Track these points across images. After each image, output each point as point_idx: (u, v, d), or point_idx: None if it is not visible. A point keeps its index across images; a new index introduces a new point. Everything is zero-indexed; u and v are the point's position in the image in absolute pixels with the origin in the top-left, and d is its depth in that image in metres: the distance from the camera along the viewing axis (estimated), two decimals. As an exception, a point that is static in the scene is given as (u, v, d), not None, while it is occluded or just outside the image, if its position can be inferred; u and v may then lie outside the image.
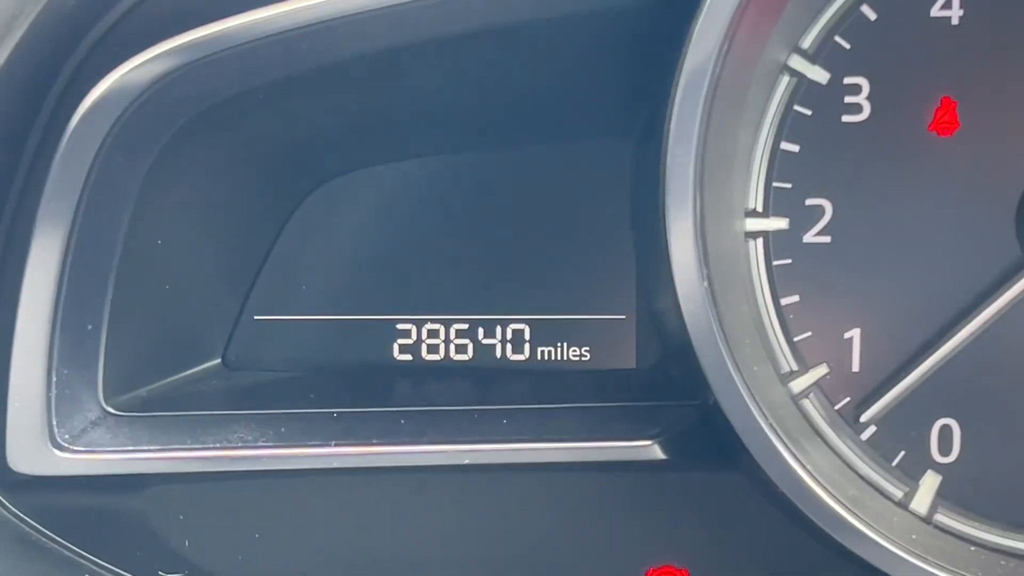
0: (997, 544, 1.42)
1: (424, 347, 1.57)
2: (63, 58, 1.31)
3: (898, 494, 1.40)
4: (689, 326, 1.29)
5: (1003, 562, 1.39)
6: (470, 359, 1.57)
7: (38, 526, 1.41)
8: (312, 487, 1.41)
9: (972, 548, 1.40)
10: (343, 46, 1.33)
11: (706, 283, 1.28)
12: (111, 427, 1.38)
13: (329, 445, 1.37)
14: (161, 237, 1.40)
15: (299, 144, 1.50)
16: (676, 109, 1.27)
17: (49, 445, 1.32)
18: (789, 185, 1.39)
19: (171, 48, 1.30)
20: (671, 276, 1.29)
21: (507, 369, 1.57)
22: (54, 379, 1.32)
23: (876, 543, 1.30)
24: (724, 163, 1.35)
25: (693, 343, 1.29)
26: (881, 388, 1.40)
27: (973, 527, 1.42)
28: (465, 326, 1.56)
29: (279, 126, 1.44)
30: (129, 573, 1.43)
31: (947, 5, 1.38)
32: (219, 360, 1.57)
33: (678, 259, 1.28)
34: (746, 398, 1.29)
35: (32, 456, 1.33)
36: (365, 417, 1.43)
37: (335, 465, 1.37)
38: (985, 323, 1.39)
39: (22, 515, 1.40)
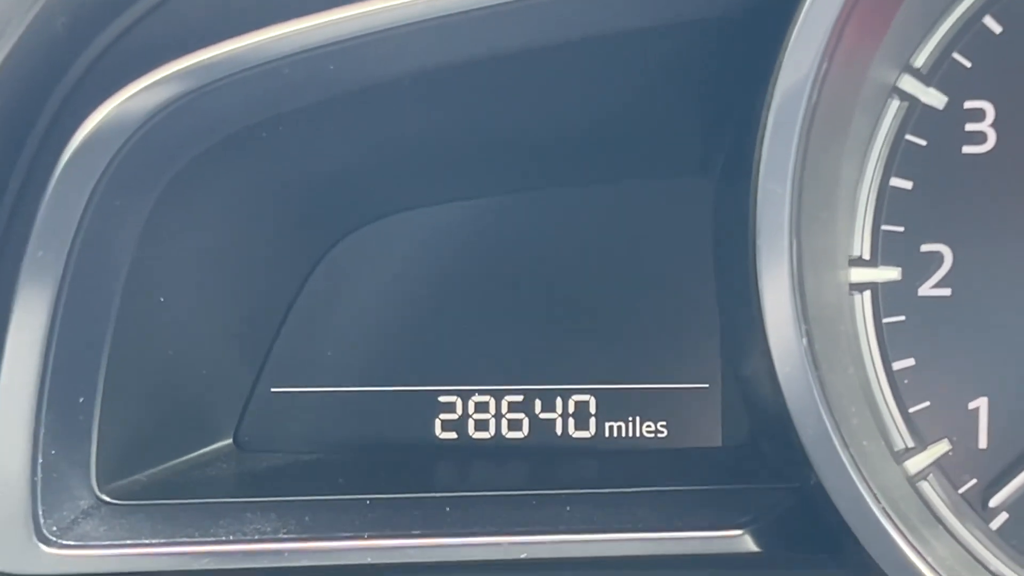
0: None
1: (471, 423, 1.57)
2: (50, 87, 1.31)
3: None
4: (786, 393, 1.27)
5: None
6: (526, 437, 1.57)
7: None
8: None
9: None
10: (378, 67, 1.33)
11: (805, 342, 1.26)
12: (106, 518, 1.37)
13: (362, 537, 1.35)
14: (164, 294, 1.40)
15: (324, 185, 1.50)
16: (768, 139, 1.25)
17: (34, 539, 1.31)
18: (901, 228, 1.38)
19: (174, 72, 1.30)
20: (764, 335, 1.27)
21: (569, 448, 1.56)
22: (40, 461, 1.31)
23: None
24: (825, 202, 1.33)
25: (791, 413, 1.27)
26: (1013, 468, 1.38)
27: None
28: (519, 398, 1.56)
29: (301, 163, 1.44)
30: None
31: None
32: (230, 440, 1.57)
33: (772, 314, 1.26)
34: (855, 478, 1.26)
35: (15, 552, 1.32)
36: (403, 504, 1.42)
37: (368, 560, 1.35)
38: None
39: None
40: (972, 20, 1.35)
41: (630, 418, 1.56)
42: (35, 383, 1.30)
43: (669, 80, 1.42)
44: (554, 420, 1.57)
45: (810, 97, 1.23)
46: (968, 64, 1.36)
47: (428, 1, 1.31)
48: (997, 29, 1.35)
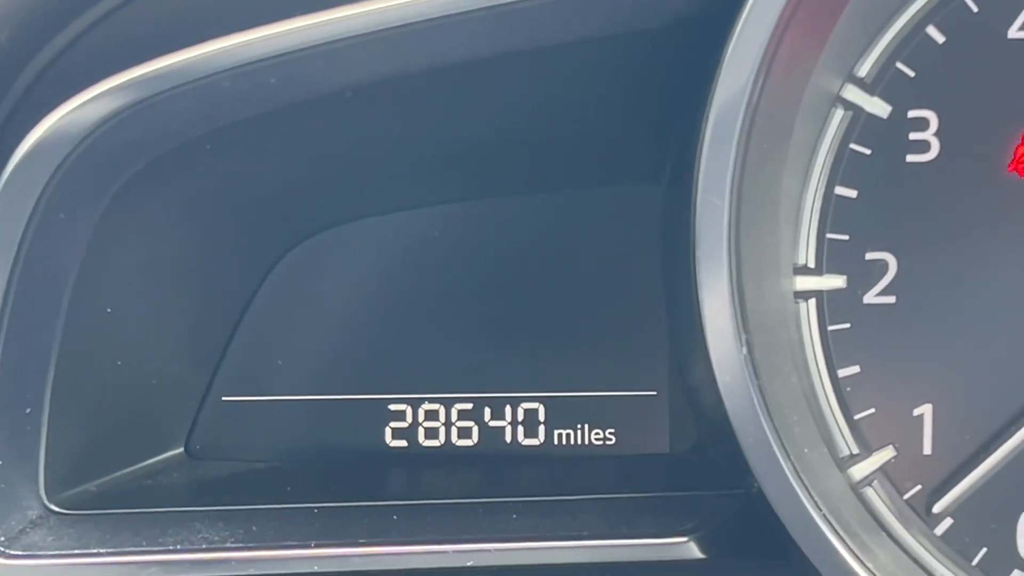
0: None
1: (421, 431, 1.57)
2: None
3: None
4: (726, 401, 1.28)
5: None
6: (475, 444, 1.57)
7: None
8: None
9: None
10: (319, 79, 1.33)
11: (745, 351, 1.27)
12: (54, 527, 1.37)
13: (308, 546, 1.36)
14: (112, 304, 1.40)
15: (272, 195, 1.50)
16: (706, 147, 1.26)
17: None
18: (846, 237, 1.39)
19: (117, 85, 1.30)
20: (704, 344, 1.28)
21: (518, 455, 1.57)
22: None
23: None
24: (767, 211, 1.35)
25: (732, 421, 1.28)
26: (957, 474, 1.39)
27: None
28: (469, 406, 1.56)
29: (248, 174, 1.45)
30: None
31: None
32: (181, 448, 1.56)
33: (712, 323, 1.28)
34: (795, 486, 1.28)
35: None
36: (351, 513, 1.42)
37: (315, 569, 1.35)
38: None
39: None
40: (915, 30, 1.37)
41: (579, 425, 1.57)
42: None
43: (616, 88, 1.43)
44: (503, 428, 1.57)
45: (748, 107, 1.25)
46: (912, 73, 1.37)
47: (367, 14, 1.29)
48: (940, 39, 1.36)
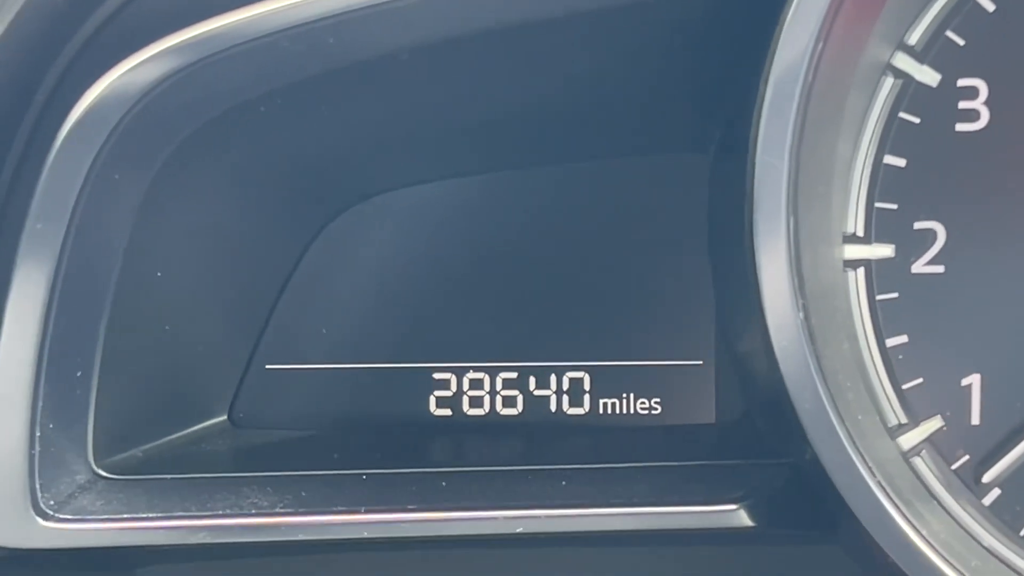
0: None
1: (466, 400, 1.58)
2: (49, 60, 1.31)
3: None
4: (782, 367, 1.28)
5: None
6: (520, 413, 1.57)
7: None
8: (338, 561, 1.43)
9: None
10: (377, 40, 1.33)
11: (802, 316, 1.27)
12: (103, 492, 1.38)
13: (358, 511, 1.36)
14: (161, 269, 1.41)
15: (322, 161, 1.50)
16: (765, 114, 1.26)
17: (32, 513, 1.32)
18: (895, 206, 1.39)
19: (174, 45, 1.30)
20: (760, 310, 1.28)
21: (563, 425, 1.58)
22: (38, 435, 1.32)
23: None
24: (822, 178, 1.35)
25: (787, 387, 1.28)
26: (1006, 444, 1.39)
27: None
28: (514, 375, 1.56)
29: (299, 139, 1.45)
30: None
31: None
32: (225, 416, 1.57)
33: (769, 289, 1.27)
34: (851, 453, 1.28)
35: (12, 526, 1.32)
36: (399, 479, 1.42)
37: (365, 535, 1.35)
38: None
39: None
40: None
41: (624, 395, 1.57)
42: (33, 356, 1.30)
43: (664, 55, 1.42)
44: (548, 397, 1.57)
45: (807, 74, 1.25)
46: (961, 42, 1.36)
47: None
48: (990, 7, 1.36)
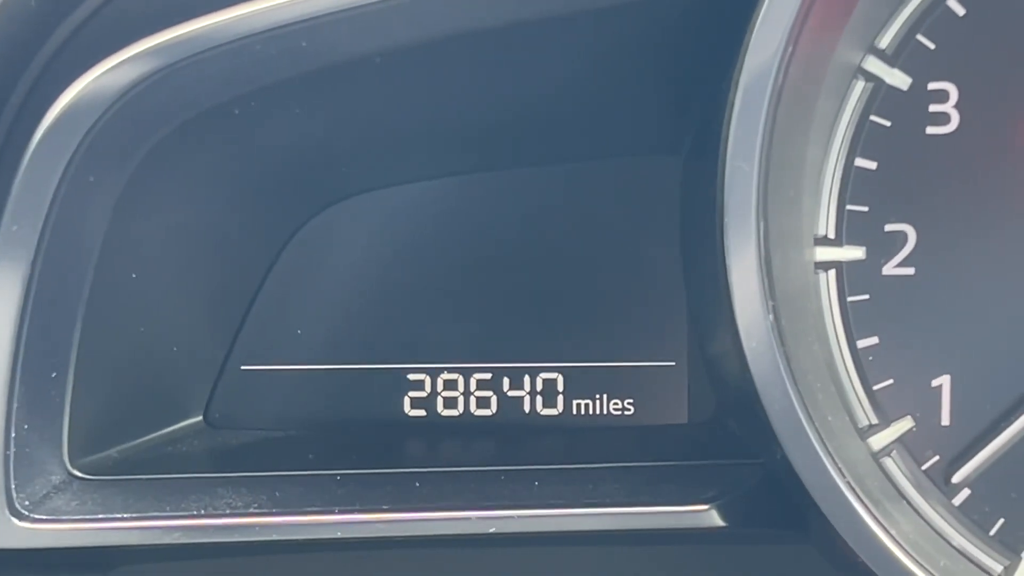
0: None
1: (440, 400, 1.58)
2: (23, 64, 1.32)
3: (997, 568, 1.39)
4: (752, 368, 1.28)
5: None
6: (493, 414, 1.58)
7: None
8: (313, 561, 1.43)
9: None
10: (349, 44, 1.33)
11: (771, 318, 1.27)
12: (78, 492, 1.38)
13: (332, 512, 1.36)
14: (136, 270, 1.41)
15: (295, 163, 1.50)
16: (735, 117, 1.26)
17: (7, 513, 1.32)
18: (865, 208, 1.40)
19: (148, 48, 1.31)
20: (731, 312, 1.28)
21: (537, 425, 1.58)
22: (12, 435, 1.32)
23: None
24: (791, 182, 1.35)
25: (757, 388, 1.28)
26: (975, 445, 1.40)
27: None
28: (487, 376, 1.57)
29: (273, 141, 1.45)
30: None
31: None
32: (200, 417, 1.57)
33: (739, 291, 1.28)
34: (820, 453, 1.28)
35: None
36: (373, 480, 1.42)
37: (339, 535, 1.35)
38: None
39: None
40: (936, 2, 1.36)
41: (597, 396, 1.57)
42: (8, 357, 1.30)
43: (637, 59, 1.42)
44: (522, 398, 1.57)
45: (776, 77, 1.25)
46: (932, 46, 1.37)
47: None
48: (960, 11, 1.36)
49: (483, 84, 1.44)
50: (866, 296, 1.40)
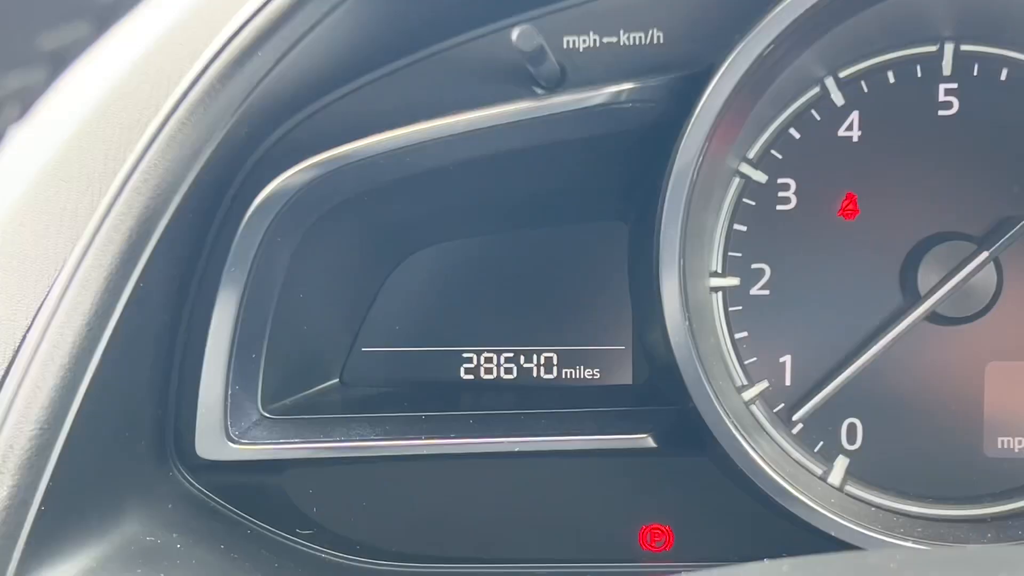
0: (890, 506, 1.41)
1: (482, 369, 1.57)
2: (237, 168, 1.32)
3: (819, 471, 1.42)
4: (675, 351, 1.30)
5: (895, 518, 1.38)
6: (515, 378, 1.58)
7: (214, 497, 1.41)
8: (408, 469, 1.43)
9: (872, 508, 1.40)
10: (430, 159, 1.33)
11: (687, 323, 1.29)
12: (266, 427, 1.40)
13: (420, 438, 1.38)
14: (301, 291, 1.42)
15: (397, 226, 1.50)
16: (667, 200, 1.28)
17: (225, 440, 1.34)
18: (740, 254, 1.42)
19: (314, 162, 1.31)
20: (662, 316, 1.30)
21: (541, 386, 1.58)
22: (229, 393, 1.34)
23: (806, 504, 1.31)
24: (697, 238, 1.36)
25: (678, 363, 1.30)
26: (806, 397, 1.42)
27: (872, 494, 1.42)
28: (511, 354, 1.57)
29: (384, 213, 1.45)
30: (276, 529, 1.43)
31: (849, 128, 1.38)
32: (338, 379, 1.57)
33: (668, 306, 1.30)
34: (715, 403, 1.31)
35: (214, 447, 1.35)
36: (444, 419, 1.43)
37: (424, 452, 1.37)
38: (878, 352, 1.39)
39: (203, 489, 1.40)
40: (783, 130, 1.39)
41: (578, 366, 1.57)
42: (227, 346, 1.33)
43: (602, 165, 1.44)
44: (532, 368, 1.57)
45: (692, 175, 1.27)
46: (780, 156, 1.40)
47: (461, 122, 1.31)
48: (797, 136, 1.39)
49: (506, 178, 1.44)
50: (740, 308, 1.43)
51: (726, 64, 1.26)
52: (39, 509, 1.08)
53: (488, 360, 1.57)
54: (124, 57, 1.22)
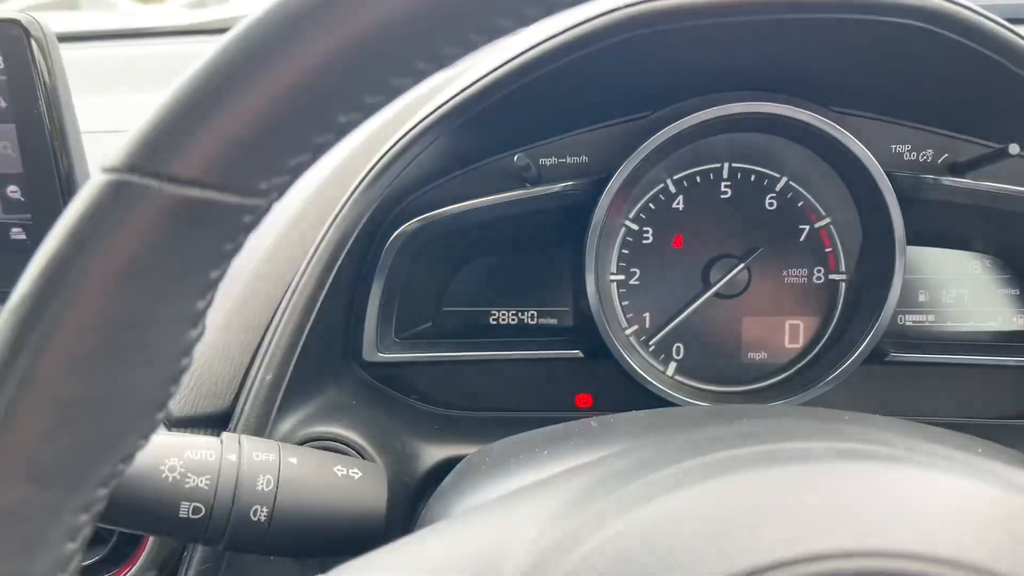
0: (694, 385, 1.50)
1: (500, 318, 1.61)
2: (381, 223, 1.40)
3: (662, 368, 1.52)
4: (593, 311, 1.43)
5: (696, 392, 1.47)
6: (516, 324, 1.61)
7: (373, 380, 1.47)
8: (468, 367, 1.51)
9: (687, 387, 1.48)
10: (476, 216, 1.43)
11: (598, 297, 1.42)
12: (398, 345, 1.48)
13: (471, 351, 1.46)
14: (415, 280, 1.48)
15: (459, 249, 1.54)
16: (589, 237, 1.41)
17: (376, 352, 1.44)
18: (625, 264, 1.52)
19: (420, 219, 1.41)
20: (586, 295, 1.41)
21: (531, 326, 1.61)
22: (379, 327, 1.43)
23: (654, 384, 1.42)
24: (604, 256, 1.47)
25: (594, 317, 1.42)
26: (656, 332, 1.53)
27: (688, 380, 1.51)
28: (515, 311, 1.61)
29: (455, 242, 1.51)
30: (403, 395, 1.50)
31: (679, 202, 1.47)
32: (431, 323, 1.59)
33: (590, 289, 1.42)
34: (611, 336, 1.43)
35: (371, 354, 1.43)
36: (484, 342, 1.51)
37: (473, 358, 1.46)
38: (692, 310, 1.49)
39: (372, 379, 1.47)
40: (646, 204, 1.48)
41: (550, 319, 1.55)
42: (378, 305, 1.43)
43: (556, 219, 1.48)
44: (525, 318, 1.56)
45: (601, 226, 1.39)
46: (644, 216, 1.48)
47: (489, 200, 1.41)
48: (653, 207, 1.48)
49: (508, 226, 1.48)
50: (624, 291, 1.54)
51: (618, 172, 1.34)
52: (286, 387, 1.20)
53: (503, 315, 1.60)
54: (328, 164, 1.32)
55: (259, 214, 0.45)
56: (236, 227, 0.44)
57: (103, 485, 0.46)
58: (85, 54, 1.93)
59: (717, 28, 1.11)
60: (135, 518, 0.86)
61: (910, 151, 1.34)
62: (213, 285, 0.46)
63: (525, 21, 0.44)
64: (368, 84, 0.43)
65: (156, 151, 0.42)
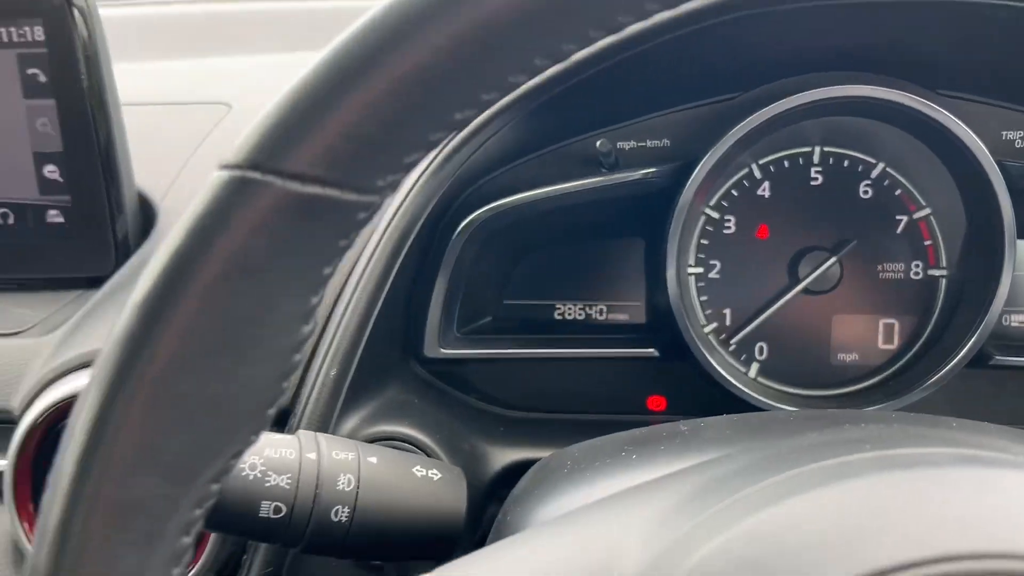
0: (780, 389, 1.54)
1: (564, 313, 1.65)
2: (447, 210, 1.44)
3: (743, 370, 1.55)
4: (672, 306, 1.45)
5: (782, 395, 1.47)
6: (584, 319, 1.66)
7: (433, 378, 1.51)
8: (528, 364, 1.55)
9: (772, 390, 1.52)
10: (543, 205, 1.45)
11: (679, 290, 1.45)
12: (459, 340, 1.53)
13: (534, 349, 1.51)
14: (478, 271, 1.52)
15: (523, 239, 1.58)
16: (672, 227, 1.44)
17: (438, 348, 1.48)
18: (704, 255, 1.57)
19: (488, 207, 1.43)
20: (666, 288, 1.44)
21: (597, 323, 1.65)
22: (442, 322, 1.48)
23: (737, 386, 1.45)
24: (684, 247, 1.51)
25: (674, 313, 1.44)
26: (737, 331, 1.57)
27: (772, 383, 1.54)
28: (581, 305, 1.65)
29: (518, 233, 1.53)
30: (463, 394, 1.51)
31: (763, 189, 1.50)
32: (491, 318, 1.62)
33: (670, 282, 1.46)
34: (692, 333, 1.47)
35: (432, 350, 1.48)
36: (548, 339, 1.56)
37: (536, 356, 1.52)
38: (778, 307, 1.50)
39: (431, 377, 1.51)
40: (728, 191, 1.51)
41: (616, 314, 1.63)
42: (443, 299, 1.48)
43: (632, 208, 1.51)
44: (592, 313, 1.61)
45: (684, 215, 1.43)
46: (726, 204, 1.51)
47: (564, 187, 1.44)
48: (736, 194, 1.49)
49: (580, 213, 1.53)
50: (703, 284, 1.58)
51: (706, 157, 1.36)
52: (350, 383, 1.24)
53: (569, 309, 1.63)
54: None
55: (373, 210, 0.49)
56: (351, 223, 0.48)
57: (215, 480, 0.49)
58: (113, 13, 1.87)
59: (819, 7, 1.13)
60: (213, 517, 0.87)
61: (1022, 139, 1.33)
62: (325, 281, 0.49)
63: (644, 16, 0.46)
64: (486, 81, 0.46)
65: (278, 149, 0.45)
